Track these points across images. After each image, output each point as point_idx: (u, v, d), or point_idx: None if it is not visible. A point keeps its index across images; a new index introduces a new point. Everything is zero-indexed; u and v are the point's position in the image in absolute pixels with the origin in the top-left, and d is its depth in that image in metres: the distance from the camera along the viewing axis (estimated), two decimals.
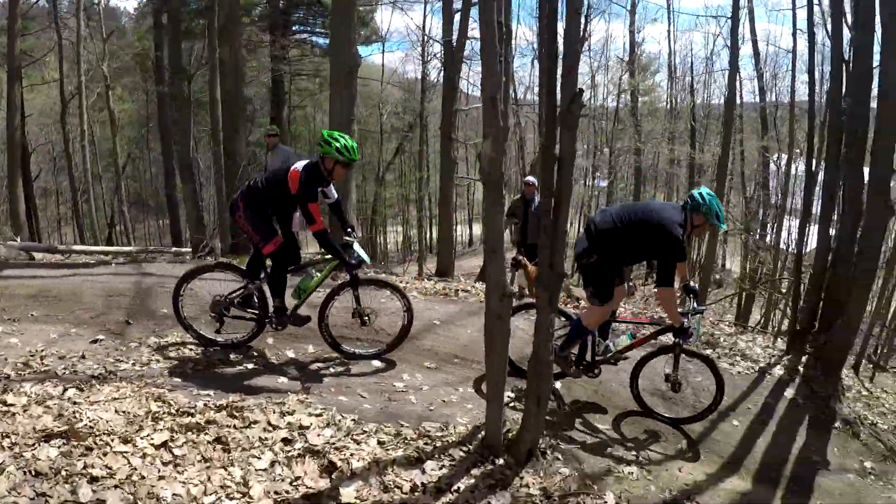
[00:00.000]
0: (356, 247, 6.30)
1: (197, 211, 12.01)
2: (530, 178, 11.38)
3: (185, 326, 6.49)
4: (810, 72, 9.62)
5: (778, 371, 8.16)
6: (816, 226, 8.68)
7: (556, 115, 3.87)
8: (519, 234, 11.28)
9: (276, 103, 24.30)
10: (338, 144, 5.81)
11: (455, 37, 16.49)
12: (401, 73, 34.63)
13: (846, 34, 8.16)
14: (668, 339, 6.23)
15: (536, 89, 23.82)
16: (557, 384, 6.46)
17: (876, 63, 7.63)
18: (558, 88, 3.77)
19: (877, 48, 7.73)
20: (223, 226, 12.17)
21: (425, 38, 24.25)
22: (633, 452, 5.58)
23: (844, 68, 7.91)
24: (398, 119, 31.83)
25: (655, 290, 5.76)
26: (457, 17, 16.96)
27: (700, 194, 5.45)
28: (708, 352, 7.99)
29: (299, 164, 5.92)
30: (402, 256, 33.53)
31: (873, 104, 7.71)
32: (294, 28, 23.82)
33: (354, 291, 6.39)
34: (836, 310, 7.92)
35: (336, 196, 6.53)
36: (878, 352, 14.21)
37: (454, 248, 19.14)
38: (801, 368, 8.15)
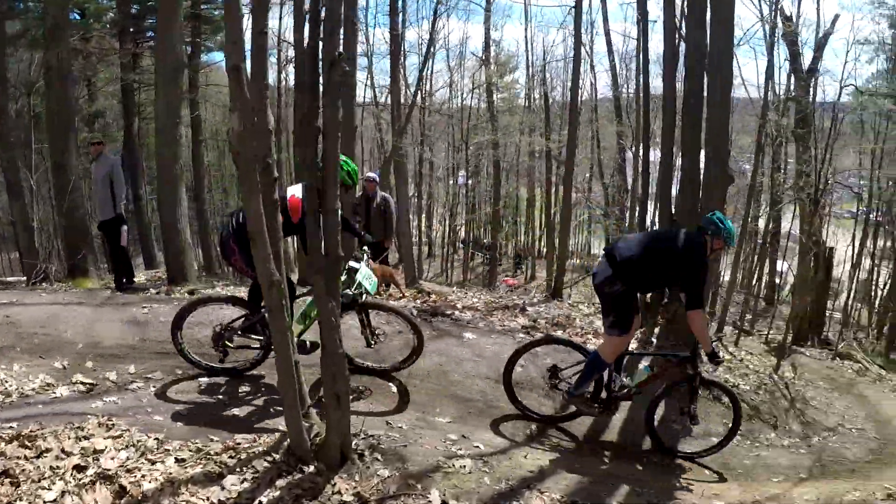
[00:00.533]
0: (361, 273, 5.97)
1: (29, 233, 11.02)
2: (371, 175, 11.12)
3: (189, 360, 6.22)
4: (645, 65, 9.80)
5: (632, 345, 8.02)
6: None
7: (317, 83, 3.54)
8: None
9: (126, 115, 23.02)
10: (348, 168, 5.59)
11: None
12: None
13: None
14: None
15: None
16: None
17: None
18: (320, 53, 3.44)
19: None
20: (59, 248, 11.39)
21: (280, 39, 23.10)
22: (473, 444, 5.37)
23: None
24: None
25: (687, 313, 5.38)
26: None
27: (720, 219, 5.52)
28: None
29: (296, 191, 5.39)
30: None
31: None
32: (148, 35, 22.41)
33: (359, 315, 6.18)
34: None
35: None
36: (743, 318, 14.85)
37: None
38: (654, 340, 8.27)
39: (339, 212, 5.89)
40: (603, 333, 5.90)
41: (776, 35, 18.64)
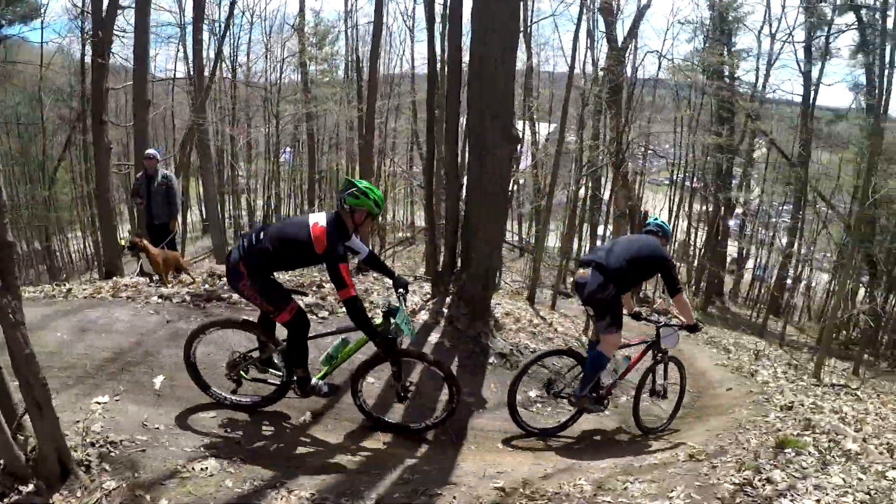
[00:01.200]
0: (400, 315, 5.39)
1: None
2: (151, 151, 10.45)
3: (201, 386, 5.59)
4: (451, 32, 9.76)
5: (423, 317, 8.11)
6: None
7: None
8: (147, 214, 10.39)
9: None
10: (375, 196, 5.12)
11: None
12: (67, 53, 30.17)
13: None
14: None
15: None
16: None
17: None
18: None
19: None
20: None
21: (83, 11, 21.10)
22: (222, 441, 5.09)
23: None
24: (65, 106, 28.31)
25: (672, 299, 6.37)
26: None
27: (663, 223, 6.72)
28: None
29: (320, 219, 5.00)
30: (88, 264, 29.70)
31: None
32: None
33: (393, 366, 5.60)
34: (470, 246, 8.10)
35: (367, 249, 5.69)
36: (562, 282, 15.51)
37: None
38: (445, 310, 8.12)
39: (368, 249, 5.70)
40: (602, 335, 6.24)
41: (593, 7, 19.43)
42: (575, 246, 24.38)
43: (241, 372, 5.59)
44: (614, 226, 19.25)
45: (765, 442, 5.67)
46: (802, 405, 7.41)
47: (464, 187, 8.85)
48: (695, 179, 28.39)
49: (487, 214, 7.96)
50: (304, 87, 27.59)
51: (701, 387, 8.75)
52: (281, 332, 5.51)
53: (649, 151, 25.24)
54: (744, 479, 4.62)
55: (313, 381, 5.46)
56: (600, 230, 24.93)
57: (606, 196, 24.28)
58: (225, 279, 6.74)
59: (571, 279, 7.79)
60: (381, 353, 5.29)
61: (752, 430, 6.29)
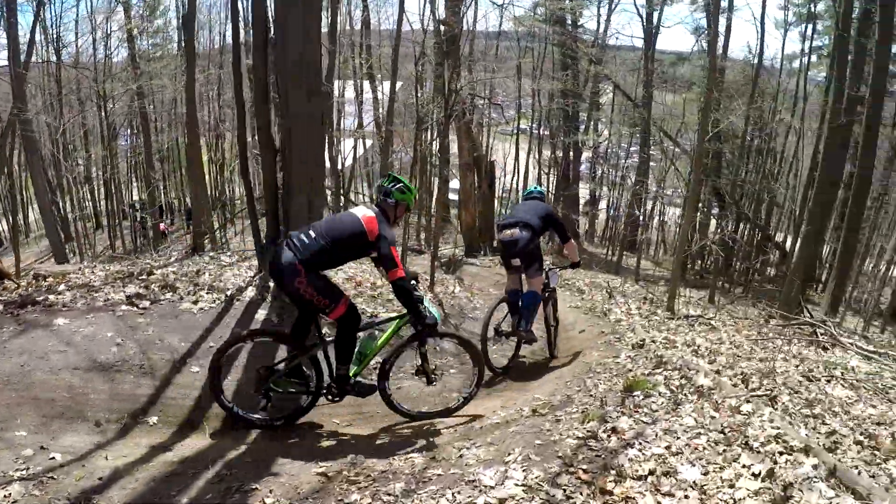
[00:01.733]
0: (426, 301, 5.46)
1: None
2: None
3: (225, 407, 5.27)
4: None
5: (250, 293, 7.42)
6: None
7: None
8: None
9: None
10: (415, 192, 5.60)
11: None
12: None
13: None
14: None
15: None
16: None
17: None
18: None
19: None
20: None
21: None
22: (50, 456, 4.44)
23: None
24: None
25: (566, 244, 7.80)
26: None
27: (541, 189, 8.25)
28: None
29: (367, 211, 5.25)
30: None
31: None
32: None
33: (421, 348, 5.65)
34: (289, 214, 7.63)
35: None
36: (406, 239, 15.01)
37: None
38: (271, 284, 7.51)
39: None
40: (531, 279, 7.21)
41: None
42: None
43: (273, 386, 5.37)
44: (460, 176, 18.78)
45: (613, 386, 5.30)
46: (654, 342, 7.15)
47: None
48: (543, 127, 28.51)
49: (302, 178, 7.52)
50: (132, 63, 25.50)
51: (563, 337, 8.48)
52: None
53: (490, 102, 24.94)
54: (588, 431, 4.24)
55: (353, 378, 5.44)
56: (453, 184, 24.53)
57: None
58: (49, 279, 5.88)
59: (497, 239, 8.09)
60: (425, 331, 5.40)
61: (603, 374, 6.01)
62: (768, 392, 5.02)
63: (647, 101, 23.79)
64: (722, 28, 21.28)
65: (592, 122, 28.89)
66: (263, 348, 6.07)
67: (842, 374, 6.14)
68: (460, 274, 13.58)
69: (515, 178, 28.58)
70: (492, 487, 3.57)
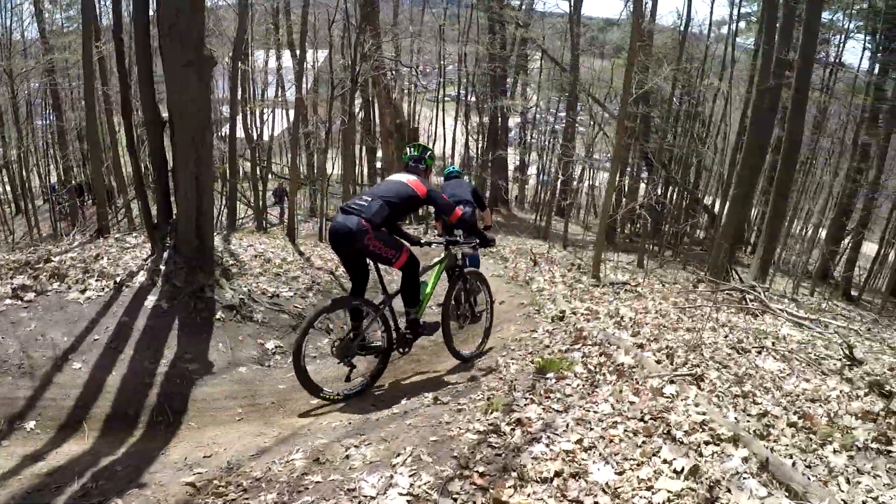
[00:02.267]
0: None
1: None
2: None
3: (313, 390, 5.12)
4: None
5: (140, 279, 6.67)
6: None
7: None
8: None
9: None
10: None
11: None
12: None
13: None
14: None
15: None
16: None
17: None
18: None
19: None
20: None
21: None
22: None
23: None
24: None
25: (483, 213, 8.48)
26: None
27: (458, 168, 9.01)
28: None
29: (409, 177, 5.69)
30: None
31: None
32: None
33: (465, 285, 6.20)
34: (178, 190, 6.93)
35: None
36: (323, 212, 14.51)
37: None
38: (163, 267, 6.76)
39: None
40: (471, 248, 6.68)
41: None
42: (358, 172, 23.42)
43: (358, 351, 5.50)
44: (382, 144, 18.13)
45: (525, 367, 4.74)
46: (576, 313, 6.67)
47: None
48: (470, 93, 28.07)
49: (187, 152, 6.72)
50: (41, 38, 23.89)
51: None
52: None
53: (404, 65, 24.28)
54: (490, 424, 3.70)
55: (421, 320, 5.75)
56: (380, 153, 23.88)
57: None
58: None
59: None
60: (485, 247, 6.22)
61: (517, 351, 5.54)
62: (695, 368, 4.57)
63: (574, 64, 23.42)
64: None
65: (520, 87, 28.56)
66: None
67: (773, 344, 5.78)
68: None
69: (444, 144, 28.07)
70: (372, 498, 3.03)
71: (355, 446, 3.72)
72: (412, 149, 6.05)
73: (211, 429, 4.79)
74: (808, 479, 3.09)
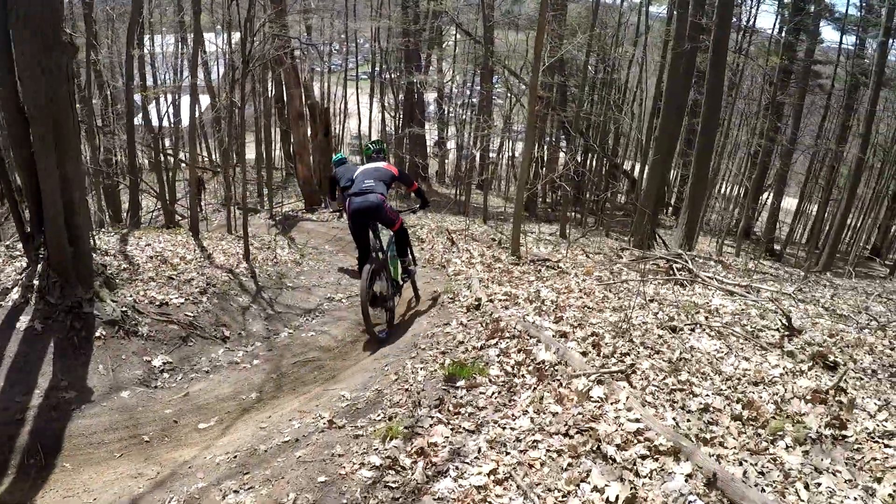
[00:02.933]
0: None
1: None
2: None
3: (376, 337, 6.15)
4: None
5: (14, 296, 5.75)
6: None
7: None
8: None
9: None
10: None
11: None
12: None
13: None
14: None
15: None
16: None
17: None
18: None
19: None
20: None
21: None
22: None
23: None
24: None
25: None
26: None
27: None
28: None
29: (385, 162, 7.17)
30: None
31: None
32: None
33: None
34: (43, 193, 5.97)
35: None
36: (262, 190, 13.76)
37: None
38: (36, 282, 5.83)
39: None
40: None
41: None
42: (276, 153, 22.49)
43: (391, 299, 6.74)
44: (292, 126, 17.23)
45: (434, 373, 4.12)
46: (493, 300, 6.06)
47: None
48: (385, 70, 27.35)
49: (48, 147, 5.86)
50: None
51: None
52: None
53: (314, 47, 23.38)
54: (388, 457, 3.08)
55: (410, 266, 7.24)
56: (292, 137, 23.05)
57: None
58: None
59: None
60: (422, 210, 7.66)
61: (428, 351, 4.92)
62: (624, 358, 4.06)
63: (488, 37, 22.89)
64: None
65: (435, 62, 28.00)
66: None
67: (706, 318, 5.34)
68: (295, 232, 12.24)
69: (359, 123, 27.34)
70: None
71: (234, 491, 3.09)
72: (372, 144, 7.57)
73: (86, 469, 4.05)
74: (763, 490, 2.61)
